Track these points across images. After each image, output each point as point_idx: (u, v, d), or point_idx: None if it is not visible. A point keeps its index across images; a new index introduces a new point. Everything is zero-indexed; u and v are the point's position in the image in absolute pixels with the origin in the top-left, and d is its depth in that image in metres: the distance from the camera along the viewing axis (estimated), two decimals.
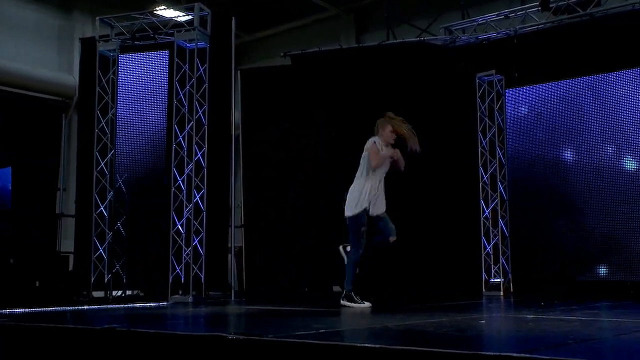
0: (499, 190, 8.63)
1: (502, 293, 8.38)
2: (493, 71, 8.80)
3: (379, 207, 6.11)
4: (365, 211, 6.03)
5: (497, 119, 8.76)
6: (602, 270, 7.87)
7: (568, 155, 8.28)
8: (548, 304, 6.23)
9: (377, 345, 2.89)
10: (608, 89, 8.01)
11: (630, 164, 7.81)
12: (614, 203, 7.87)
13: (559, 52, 8.35)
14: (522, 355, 2.62)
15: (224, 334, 3.34)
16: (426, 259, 8.80)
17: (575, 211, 8.15)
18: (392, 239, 6.07)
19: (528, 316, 4.94)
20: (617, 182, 7.88)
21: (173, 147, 7.70)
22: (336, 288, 9.59)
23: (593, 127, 8.08)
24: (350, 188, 6.16)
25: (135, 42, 8.21)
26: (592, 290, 7.77)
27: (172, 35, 7.91)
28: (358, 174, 6.16)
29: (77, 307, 6.35)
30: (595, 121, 8.07)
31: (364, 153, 6.16)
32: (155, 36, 8.12)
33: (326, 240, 9.20)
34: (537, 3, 8.29)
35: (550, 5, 8.21)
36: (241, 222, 9.76)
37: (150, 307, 6.49)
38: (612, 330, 4.05)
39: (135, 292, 8.15)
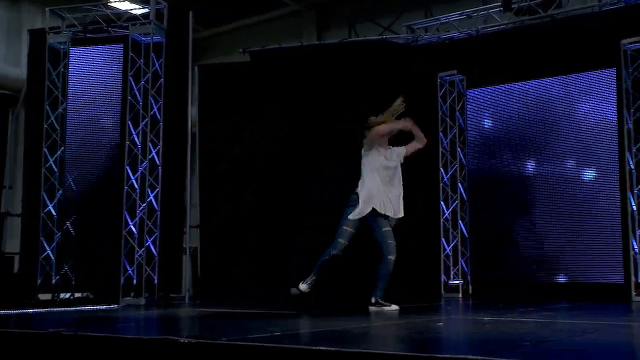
0: (459, 192, 8.75)
1: (461, 295, 8.50)
2: (455, 71, 8.91)
3: (389, 209, 5.74)
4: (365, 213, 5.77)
5: (459, 120, 8.88)
6: (560, 273, 8.04)
7: (528, 157, 8.43)
8: (506, 306, 6.33)
9: (333, 348, 2.90)
10: (568, 90, 8.18)
11: (589, 172, 7.99)
12: (572, 205, 8.04)
13: (520, 53, 8.50)
14: (478, 357, 2.65)
15: (176, 338, 3.31)
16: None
17: (535, 213, 8.31)
18: (391, 257, 5.77)
19: (485, 318, 5.01)
20: (575, 185, 8.06)
21: (126, 145, 7.60)
22: (294, 290, 9.60)
23: (553, 129, 8.24)
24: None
25: (88, 35, 8.08)
26: (550, 292, 7.93)
27: (126, 28, 7.80)
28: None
29: (22, 311, 6.20)
30: (555, 123, 8.23)
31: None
32: (109, 29, 7.99)
33: (282, 239, 9.22)
34: (500, 3, 8.43)
35: (512, 6, 8.35)
36: (197, 221, 9.70)
37: (100, 310, 6.39)
38: (567, 332, 4.14)
39: (84, 294, 7.99)
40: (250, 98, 9.53)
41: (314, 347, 2.97)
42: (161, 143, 7.63)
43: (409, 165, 8.80)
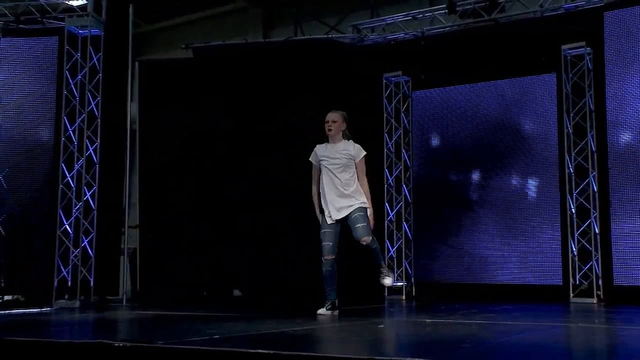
0: (403, 193, 8.86)
1: (404, 297, 8.61)
2: (400, 72, 9.03)
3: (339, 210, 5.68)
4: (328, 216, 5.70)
5: (404, 121, 8.99)
6: (502, 275, 8.23)
7: (471, 160, 8.59)
8: (448, 308, 6.45)
9: (271, 351, 2.91)
10: (511, 94, 8.38)
11: (530, 175, 8.20)
12: (513, 208, 8.25)
13: (465, 55, 8.67)
14: (415, 359, 2.70)
15: (110, 341, 3.26)
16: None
17: (478, 216, 8.48)
18: (364, 239, 5.61)
19: (427, 320, 5.09)
20: (517, 188, 8.27)
21: (62, 141, 7.42)
22: (236, 292, 9.56)
23: (496, 132, 8.43)
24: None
25: (20, 26, 7.84)
26: (492, 294, 8.11)
27: (62, 20, 7.61)
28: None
29: None
30: (498, 126, 8.42)
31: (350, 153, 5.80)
32: (44, 20, 7.78)
33: (222, 238, 9.18)
34: (445, 5, 8.58)
35: (457, 9, 8.51)
36: (137, 221, 9.54)
37: (32, 314, 6.22)
38: (506, 333, 4.25)
39: (15, 297, 7.76)
40: (192, 95, 9.44)
41: (252, 350, 2.97)
42: (99, 140, 7.48)
43: None
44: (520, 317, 5.62)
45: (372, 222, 5.71)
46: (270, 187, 9.27)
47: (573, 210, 7.70)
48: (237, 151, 9.35)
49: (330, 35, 9.47)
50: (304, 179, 9.13)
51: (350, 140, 5.91)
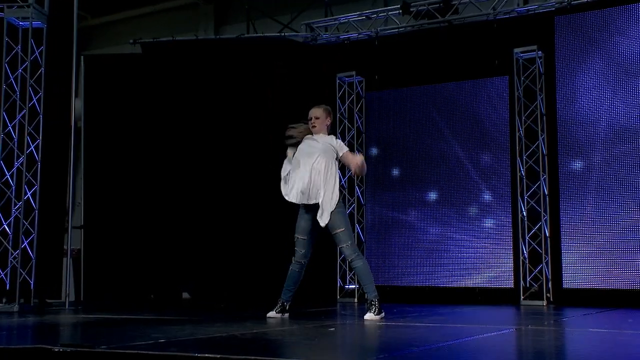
0: (356, 195, 8.91)
1: (356, 300, 8.66)
2: (353, 72, 9.08)
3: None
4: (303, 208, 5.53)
5: (357, 122, 9.05)
6: (453, 278, 8.35)
7: (424, 161, 8.68)
8: (399, 310, 6.51)
9: (218, 355, 2.89)
10: (465, 96, 8.51)
11: (482, 178, 8.35)
12: (466, 208, 8.38)
13: (419, 57, 8.78)
14: None
15: (49, 346, 3.19)
16: (283, 264, 8.92)
17: (430, 217, 8.58)
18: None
19: (378, 323, 5.13)
20: (469, 191, 8.39)
21: (0, 138, 7.23)
22: (185, 295, 9.48)
23: (449, 134, 8.55)
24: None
25: None
26: (443, 296, 8.23)
27: (1, 10, 7.41)
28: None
29: None
30: (451, 128, 8.54)
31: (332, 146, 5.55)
32: None
33: (169, 240, 9.09)
34: (399, 6, 8.67)
35: (411, 9, 8.61)
36: (81, 222, 9.38)
37: None
38: (456, 336, 4.32)
39: None
40: (140, 92, 9.34)
41: (199, 355, 2.95)
42: (41, 137, 7.31)
43: None
44: (471, 320, 5.72)
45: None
46: (218, 187, 9.24)
47: (524, 213, 7.87)
48: (186, 150, 9.28)
49: (283, 34, 9.47)
50: (254, 178, 9.16)
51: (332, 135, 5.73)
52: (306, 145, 5.64)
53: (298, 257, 5.65)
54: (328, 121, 5.78)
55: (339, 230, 5.45)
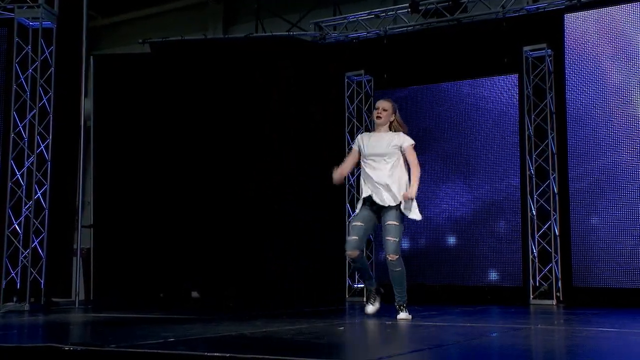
0: None
1: (364, 299, 8.62)
2: (362, 71, 9.06)
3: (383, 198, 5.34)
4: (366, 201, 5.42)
5: (366, 121, 9.02)
6: (462, 276, 8.32)
7: (434, 160, 8.66)
8: (409, 309, 6.48)
9: (227, 354, 2.88)
10: (474, 94, 8.47)
11: (492, 176, 8.31)
12: (475, 207, 8.35)
13: (428, 55, 8.74)
14: None
15: (60, 345, 3.19)
16: (292, 263, 8.93)
17: (438, 215, 8.56)
18: (389, 256, 5.39)
19: (387, 322, 5.12)
20: (478, 190, 8.36)
21: (11, 137, 7.24)
22: (194, 294, 9.49)
23: (459, 132, 8.52)
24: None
25: None
26: (452, 296, 8.20)
27: (12, 11, 7.43)
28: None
29: None
30: (461, 127, 8.51)
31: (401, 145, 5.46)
32: None
33: (178, 239, 9.11)
34: (408, 4, 8.64)
35: (420, 8, 8.58)
36: (91, 221, 9.40)
37: None
38: (466, 335, 4.30)
39: None
40: (149, 91, 9.36)
41: (209, 353, 2.94)
42: (51, 137, 7.32)
43: (315, 167, 8.94)
44: (480, 319, 5.69)
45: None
46: (229, 186, 9.24)
47: (534, 212, 7.83)
48: (195, 149, 9.29)
49: (291, 33, 9.47)
50: (264, 176, 9.17)
51: (400, 132, 5.56)
52: (372, 146, 5.50)
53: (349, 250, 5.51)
54: (392, 117, 5.54)
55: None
